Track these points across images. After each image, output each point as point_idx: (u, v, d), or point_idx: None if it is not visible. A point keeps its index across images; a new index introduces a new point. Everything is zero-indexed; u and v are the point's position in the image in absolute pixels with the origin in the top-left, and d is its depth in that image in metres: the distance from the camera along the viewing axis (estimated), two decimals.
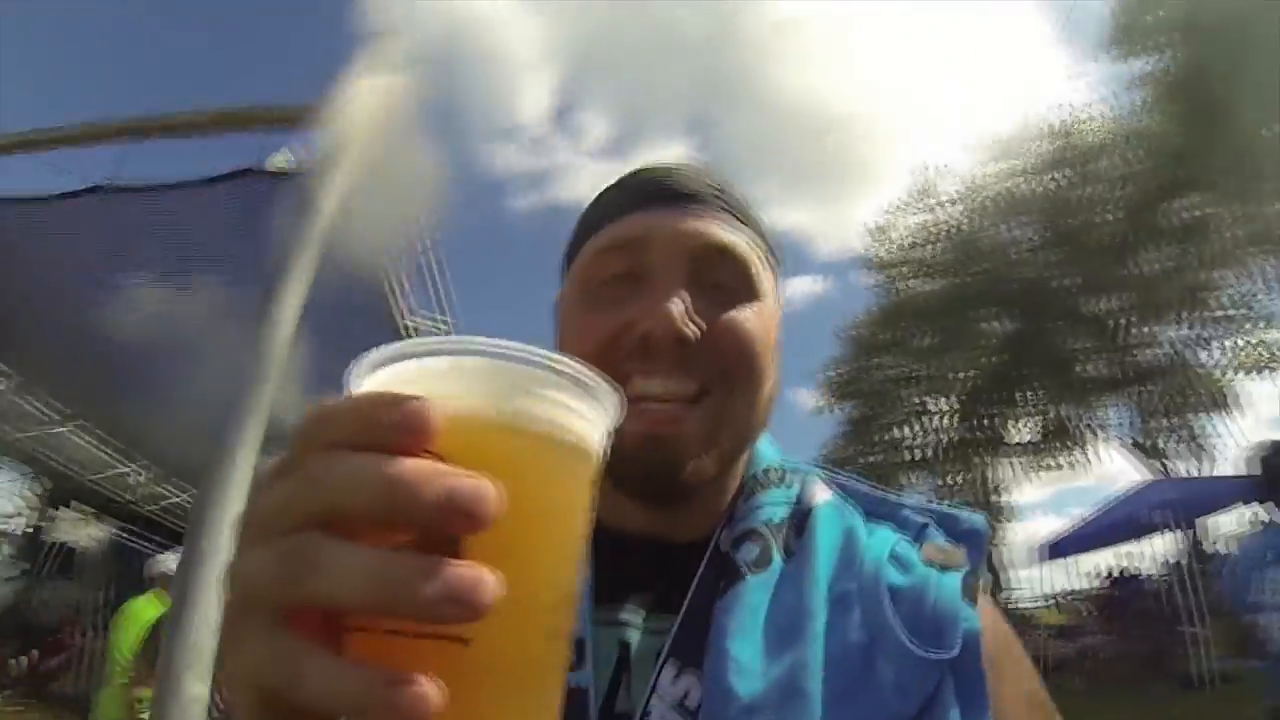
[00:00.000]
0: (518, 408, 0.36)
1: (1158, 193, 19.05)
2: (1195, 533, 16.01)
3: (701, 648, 0.63)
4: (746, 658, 0.61)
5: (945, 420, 22.76)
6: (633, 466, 0.66)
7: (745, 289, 0.74)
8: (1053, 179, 20.85)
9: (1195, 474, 20.16)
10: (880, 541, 0.74)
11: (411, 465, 0.31)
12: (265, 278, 3.47)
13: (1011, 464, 22.80)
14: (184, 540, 3.09)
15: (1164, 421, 21.24)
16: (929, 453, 22.88)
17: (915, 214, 22.98)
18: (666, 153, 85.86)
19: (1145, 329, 21.20)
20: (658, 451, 0.67)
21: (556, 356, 0.38)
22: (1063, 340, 21.15)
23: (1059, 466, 22.34)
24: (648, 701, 0.62)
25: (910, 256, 22.73)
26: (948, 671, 0.63)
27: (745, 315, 0.72)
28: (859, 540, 0.73)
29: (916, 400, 23.13)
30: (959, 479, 23.04)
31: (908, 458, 23.70)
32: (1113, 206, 20.09)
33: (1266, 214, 18.02)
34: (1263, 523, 4.23)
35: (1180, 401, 20.53)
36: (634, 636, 0.67)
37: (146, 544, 13.54)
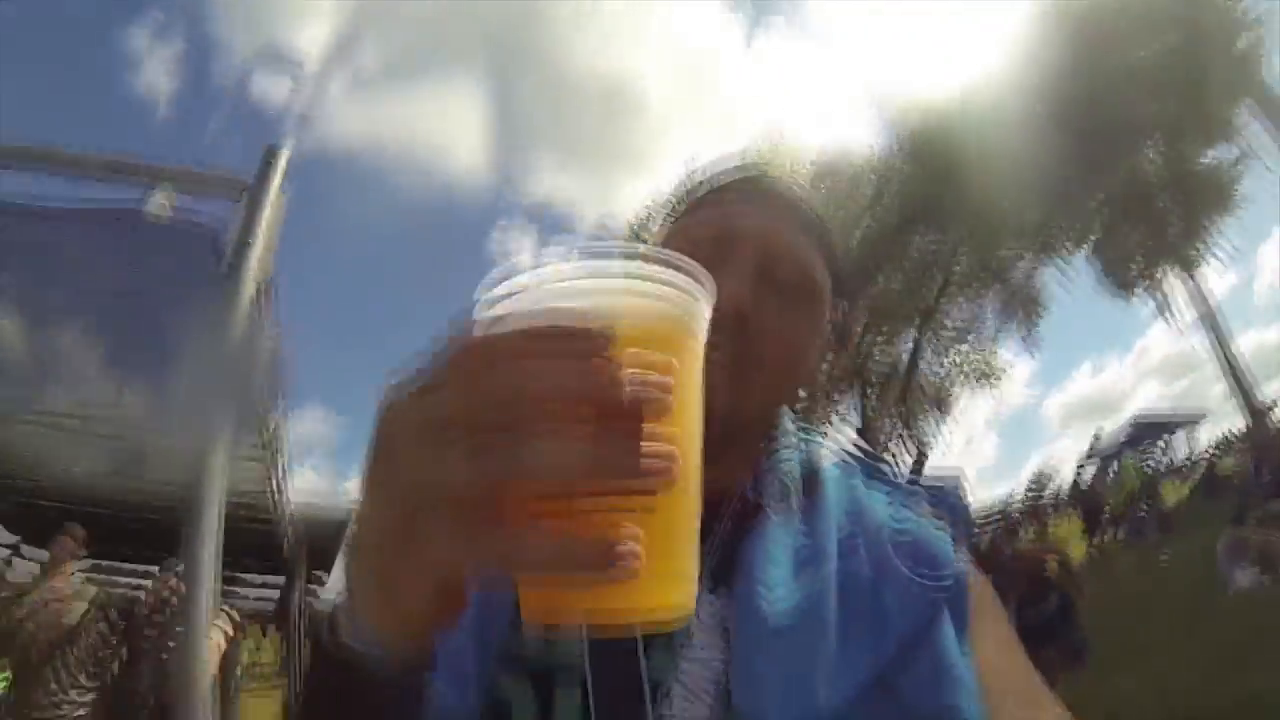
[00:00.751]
0: (661, 302, 0.41)
1: (901, 225, 21.59)
2: None
3: (731, 573, 0.70)
4: (773, 584, 0.67)
5: None
6: None
7: (806, 291, 0.82)
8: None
9: (904, 467, 23.06)
10: (879, 501, 0.81)
11: (603, 363, 0.35)
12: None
13: None
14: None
15: (886, 421, 24.24)
16: None
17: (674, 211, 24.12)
18: (446, 94, 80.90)
19: (879, 337, 24.11)
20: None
21: (665, 253, 0.43)
22: None
23: None
24: (690, 622, 0.67)
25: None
26: (942, 602, 0.69)
27: (798, 315, 0.81)
28: (861, 494, 0.81)
29: None
30: None
31: None
32: (860, 230, 22.19)
33: (996, 254, 21.14)
34: None
35: (903, 404, 23.61)
36: None
37: None
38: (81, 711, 4.17)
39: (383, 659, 0.43)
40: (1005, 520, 20.70)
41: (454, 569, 0.38)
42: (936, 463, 23.12)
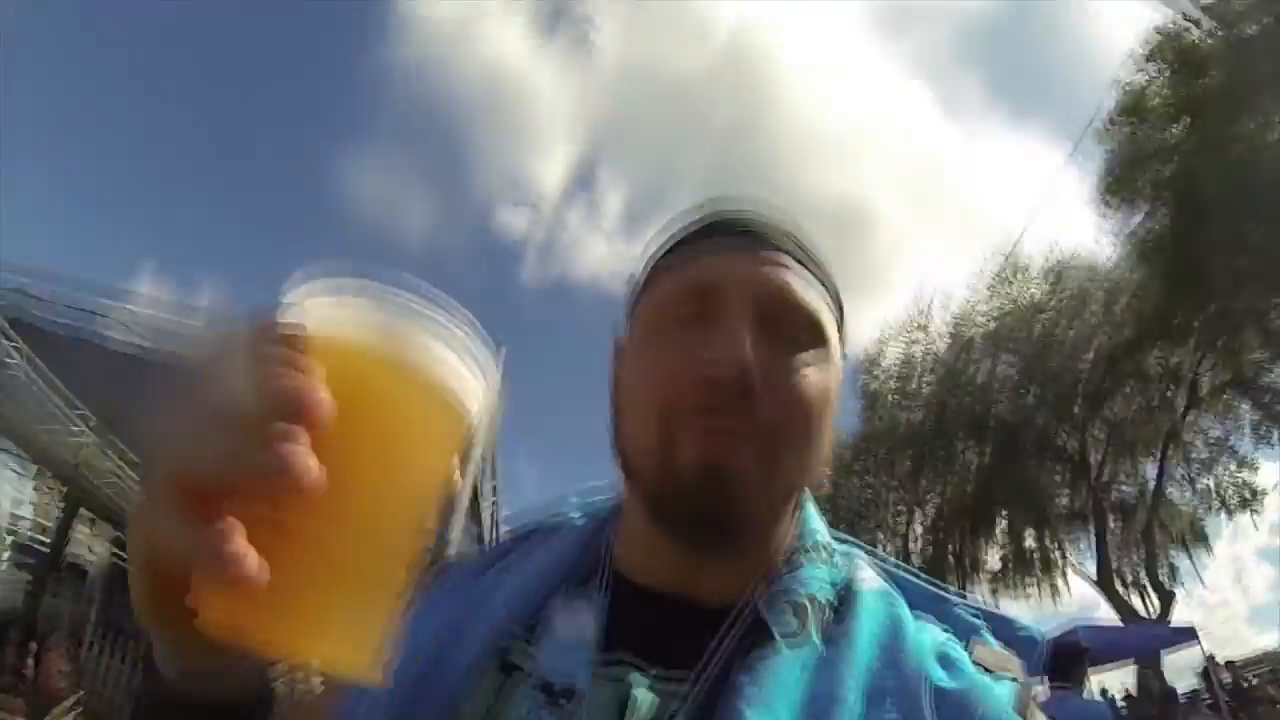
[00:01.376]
0: (394, 350, 0.43)
1: (1137, 341, 19.93)
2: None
3: (715, 712, 0.59)
4: None
5: (916, 544, 23.73)
6: (688, 497, 0.65)
7: (812, 341, 0.72)
8: (1039, 321, 21.78)
9: (1152, 610, 20.93)
10: (927, 637, 0.68)
11: (266, 369, 0.38)
12: None
13: (980, 588, 23.77)
14: None
15: (1133, 555, 22.10)
16: None
17: (905, 345, 24.31)
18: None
19: (1118, 466, 22.30)
20: (715, 480, 0.64)
21: (453, 316, 0.44)
22: (1035, 474, 22.16)
23: (1025, 594, 23.34)
24: None
25: (896, 387, 24.03)
26: None
27: (809, 370, 0.70)
28: (905, 633, 0.67)
29: (890, 521, 24.23)
30: None
31: None
32: (1093, 350, 20.98)
33: (1242, 363, 18.98)
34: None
35: (1149, 537, 21.22)
36: (638, 691, 0.63)
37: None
38: None
39: (185, 680, 0.46)
40: (1275, 669, 18.34)
41: (176, 563, 0.38)
42: (1191, 605, 20.80)
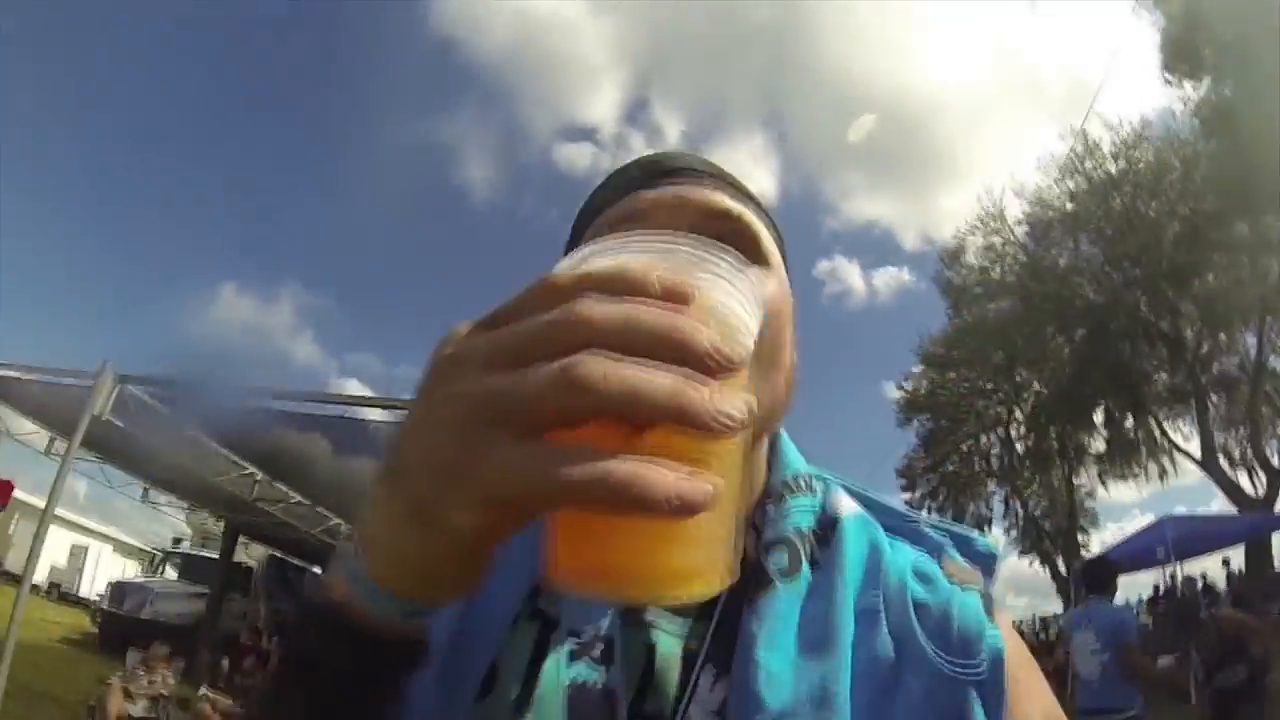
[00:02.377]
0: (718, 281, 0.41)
1: (1220, 211, 20.28)
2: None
3: (732, 654, 0.62)
4: (776, 667, 0.60)
5: (1018, 430, 24.46)
6: None
7: (755, 258, 0.69)
8: (1116, 197, 22.28)
9: (1259, 489, 20.91)
10: (902, 556, 0.71)
11: (680, 318, 0.35)
12: None
13: (1086, 472, 24.34)
14: None
15: (1238, 432, 22.23)
16: (1005, 461, 24.79)
17: (984, 236, 25.01)
18: (745, 147, 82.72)
19: (1216, 340, 22.45)
20: None
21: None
22: (1130, 356, 22.65)
23: (1133, 475, 23.70)
24: (686, 707, 0.62)
25: (980, 279, 24.78)
26: (973, 690, 0.61)
27: (761, 280, 0.66)
28: (883, 554, 0.70)
29: (990, 413, 25.04)
30: (1035, 485, 24.90)
31: (985, 466, 25.72)
32: (1176, 224, 21.40)
33: None
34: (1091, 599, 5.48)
35: (1254, 412, 21.34)
36: (661, 638, 0.66)
37: (297, 561, 17.91)
38: None
39: (388, 606, 0.43)
40: None
41: (504, 494, 0.35)
42: None
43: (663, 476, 0.33)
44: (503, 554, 0.50)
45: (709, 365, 0.35)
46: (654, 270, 0.37)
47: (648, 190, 0.72)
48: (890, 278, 72.02)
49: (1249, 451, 21.76)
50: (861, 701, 0.60)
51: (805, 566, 0.68)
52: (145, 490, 12.78)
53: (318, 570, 17.88)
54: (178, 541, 22.22)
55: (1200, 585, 18.09)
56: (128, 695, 7.89)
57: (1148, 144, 22.19)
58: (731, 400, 0.35)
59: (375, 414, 7.51)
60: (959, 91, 65.40)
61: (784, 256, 0.77)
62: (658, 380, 0.34)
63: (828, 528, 0.72)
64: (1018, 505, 26.05)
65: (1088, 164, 23.16)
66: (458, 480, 0.36)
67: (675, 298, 0.36)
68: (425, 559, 0.41)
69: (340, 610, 0.44)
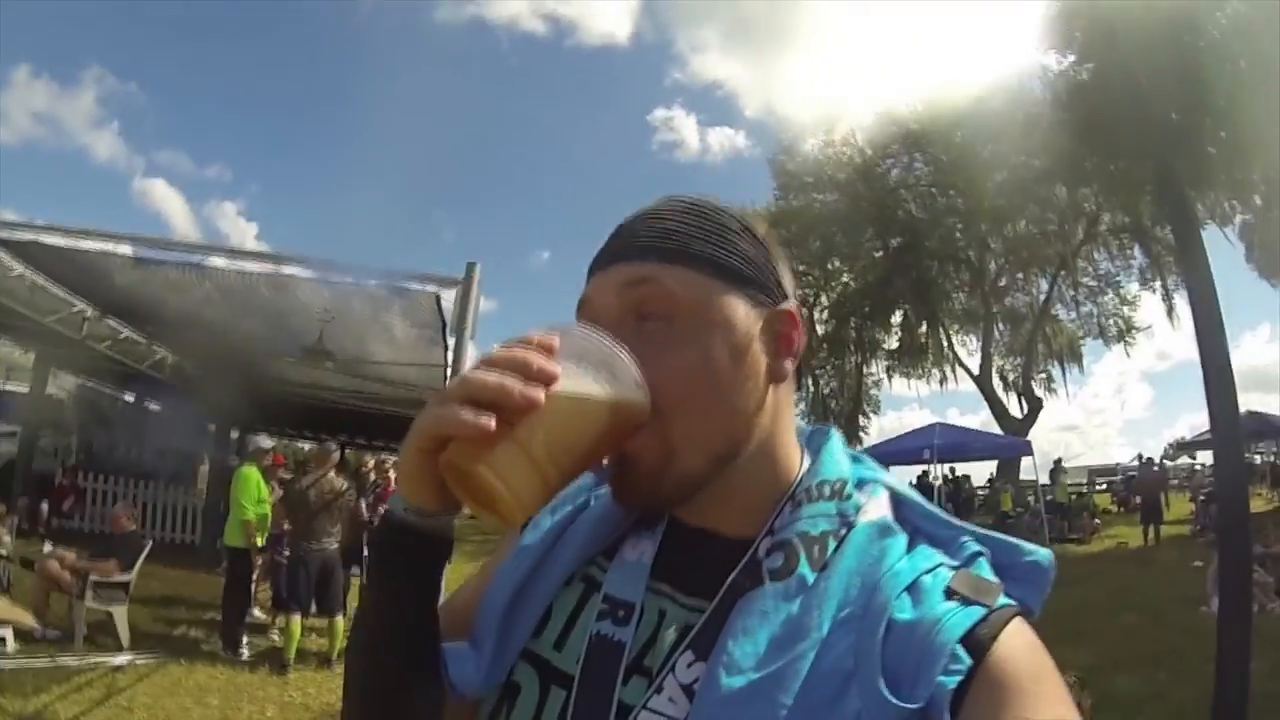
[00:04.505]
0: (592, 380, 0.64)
1: (1047, 171, 21.17)
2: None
3: (712, 642, 0.70)
4: (740, 656, 0.66)
5: (821, 314, 26.25)
6: (614, 488, 0.79)
7: (677, 316, 0.74)
8: (959, 133, 22.98)
9: (1022, 412, 23.77)
10: (910, 567, 0.72)
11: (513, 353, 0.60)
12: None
13: (877, 364, 26.90)
14: None
15: (1014, 361, 24.97)
16: (805, 341, 26.73)
17: (825, 133, 25.66)
18: None
19: (1013, 278, 24.62)
20: (620, 469, 0.76)
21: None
22: (935, 273, 24.63)
23: (918, 375, 26.57)
24: (664, 676, 0.70)
25: (814, 171, 25.48)
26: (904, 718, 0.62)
27: (673, 346, 0.73)
28: (885, 564, 0.72)
29: (797, 294, 26.40)
30: (829, 367, 27.18)
31: None
32: (1006, 172, 22.31)
33: (1140, 210, 20.40)
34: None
35: (1031, 346, 24.19)
36: (671, 608, 0.76)
37: (106, 389, 17.23)
38: (334, 540, 7.99)
39: (419, 519, 0.67)
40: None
41: (422, 429, 0.61)
42: (1052, 410, 23.26)
43: (466, 414, 0.57)
44: (569, 533, 0.86)
45: (529, 368, 0.59)
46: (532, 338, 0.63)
47: (592, 276, 0.82)
48: (725, 138, 70.15)
49: (1020, 378, 24.79)
50: (804, 702, 0.63)
51: (802, 569, 0.71)
52: None
53: (130, 398, 17.61)
54: None
55: (952, 483, 22.00)
56: None
57: (1000, 93, 22.03)
58: (523, 380, 0.59)
59: (218, 261, 7.23)
60: None
61: (741, 284, 0.77)
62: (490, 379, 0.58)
63: (845, 532, 0.75)
64: (809, 382, 28.10)
65: (940, 94, 23.29)
66: (413, 430, 0.62)
67: (542, 347, 0.61)
68: (408, 477, 0.65)
69: (388, 518, 0.70)
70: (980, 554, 0.75)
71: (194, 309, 8.52)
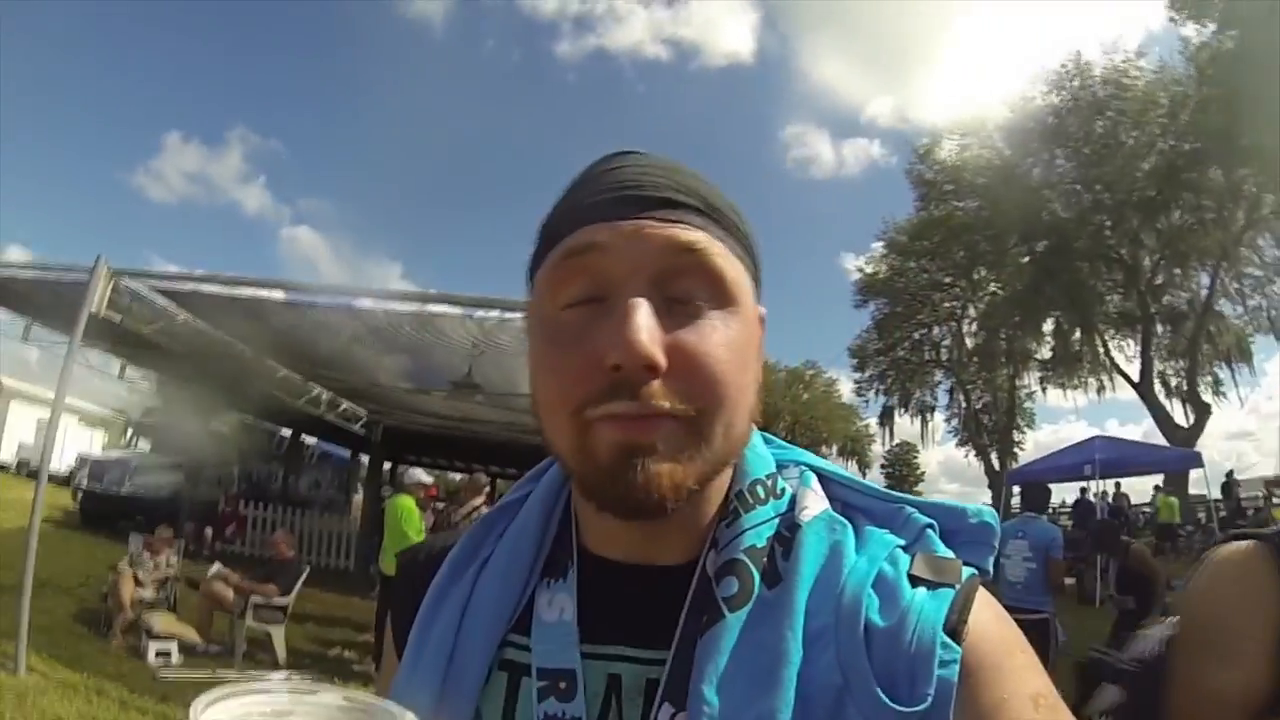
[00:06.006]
0: None
1: (1199, 154, 20.96)
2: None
3: (685, 688, 0.63)
4: (719, 704, 0.61)
5: (970, 327, 26.16)
6: (608, 478, 0.64)
7: (717, 297, 0.67)
8: (1099, 123, 22.76)
9: (1188, 420, 22.73)
10: (868, 560, 0.68)
11: None
12: None
13: (1029, 375, 26.59)
14: None
15: (1178, 364, 23.90)
16: (954, 354, 26.61)
17: (961, 136, 25.82)
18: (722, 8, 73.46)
19: (1171, 275, 23.69)
20: (632, 458, 0.63)
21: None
22: (1086, 274, 23.99)
23: (1073, 386, 25.78)
24: None
25: (952, 178, 25.59)
26: None
27: (718, 333, 0.66)
28: (844, 564, 0.68)
29: (945, 306, 26.50)
30: (980, 380, 26.71)
31: (935, 356, 27.32)
32: (1153, 158, 21.99)
33: None
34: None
35: (1195, 347, 22.99)
36: (624, 669, 0.68)
37: (267, 426, 18.44)
38: None
39: None
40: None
41: None
42: (1222, 417, 22.03)
43: None
44: (472, 616, 0.74)
45: None
46: None
47: (609, 222, 0.67)
48: (860, 150, 68.67)
49: (1184, 383, 23.50)
50: None
51: (757, 588, 0.67)
52: (123, 367, 12.47)
53: (285, 431, 18.82)
54: (149, 411, 21.13)
55: (1128, 505, 20.87)
56: (137, 581, 8.22)
57: (1140, 74, 22.32)
58: None
59: (367, 302, 8.10)
60: None
61: (752, 256, 0.73)
62: None
63: (790, 534, 0.71)
64: (961, 398, 28.04)
65: (1075, 83, 23.37)
66: None
67: None
68: None
69: None
70: (929, 525, 0.74)
71: (344, 348, 9.45)
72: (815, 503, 0.73)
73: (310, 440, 19.11)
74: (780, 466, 0.78)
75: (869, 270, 28.66)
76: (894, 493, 0.77)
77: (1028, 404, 27.25)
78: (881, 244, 28.09)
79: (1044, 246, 24.14)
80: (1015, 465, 23.56)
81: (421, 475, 9.61)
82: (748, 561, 0.68)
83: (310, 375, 11.69)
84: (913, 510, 0.74)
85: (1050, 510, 12.03)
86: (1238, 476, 21.51)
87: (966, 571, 0.67)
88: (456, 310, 7.57)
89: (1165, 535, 17.80)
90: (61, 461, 21.33)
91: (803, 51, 69.13)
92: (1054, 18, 49.94)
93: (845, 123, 71.42)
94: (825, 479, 0.78)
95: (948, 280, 26.18)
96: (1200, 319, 22.66)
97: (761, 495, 0.73)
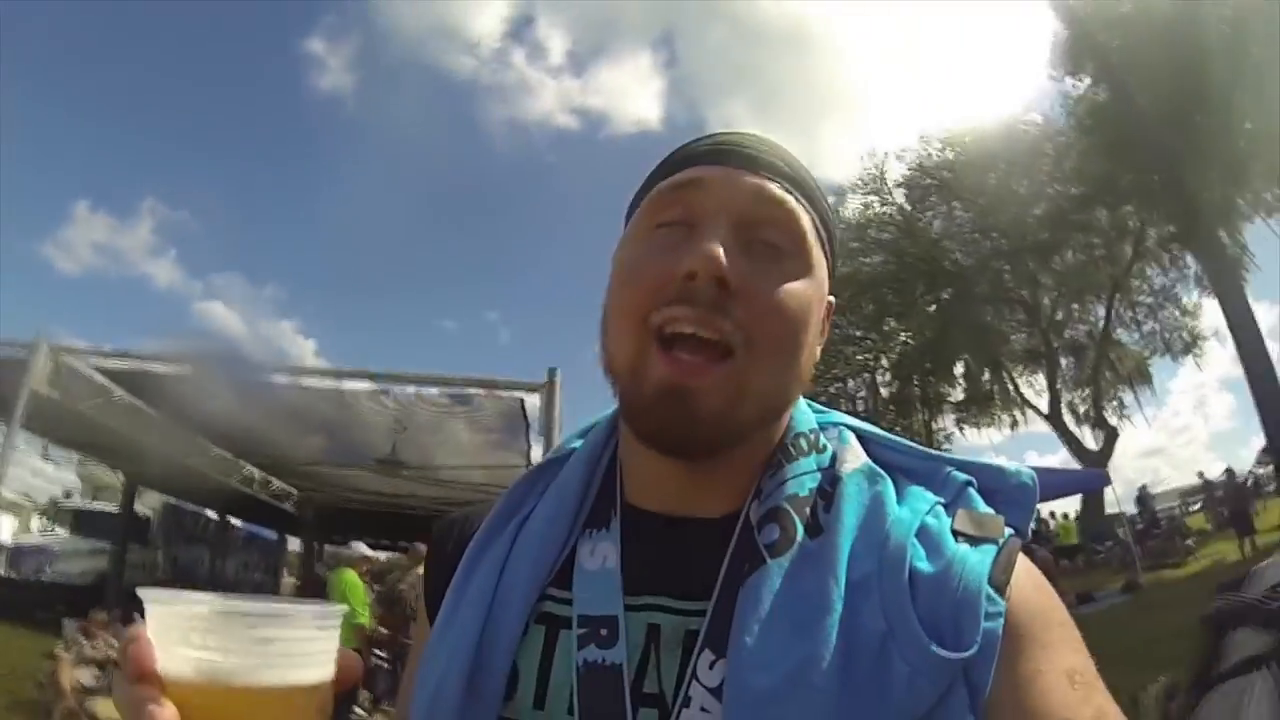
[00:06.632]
0: (216, 662, 0.50)
1: (1085, 197, 22.51)
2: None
3: (726, 635, 0.64)
4: (761, 649, 0.61)
5: (884, 377, 27.00)
6: (653, 414, 0.69)
7: (795, 253, 0.72)
8: (992, 174, 24.30)
9: (1098, 444, 23.91)
10: (911, 511, 0.69)
11: (128, 694, 0.49)
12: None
13: (944, 418, 27.77)
14: None
15: (1084, 392, 25.42)
16: (870, 405, 27.37)
17: (864, 195, 26.94)
18: (632, 67, 77.69)
19: (1069, 310, 25.41)
20: (679, 401, 0.66)
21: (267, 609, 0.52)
22: (991, 317, 25.44)
23: (988, 423, 27.04)
24: (688, 686, 0.64)
25: (858, 235, 26.51)
26: (960, 671, 0.60)
27: (790, 281, 0.70)
28: (886, 513, 0.69)
29: (860, 359, 27.26)
30: (898, 428, 27.56)
31: (851, 409, 27.97)
32: (1045, 204, 23.53)
33: (1188, 214, 20.68)
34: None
35: (1098, 375, 24.64)
36: (663, 619, 0.69)
37: (191, 507, 17.32)
38: None
39: None
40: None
41: None
42: (1133, 437, 23.49)
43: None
44: (512, 570, 0.74)
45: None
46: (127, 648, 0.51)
47: (707, 167, 0.74)
48: None
49: (1091, 410, 25.07)
50: (846, 680, 0.60)
51: (800, 536, 0.68)
52: (45, 447, 13.06)
53: (211, 513, 17.97)
54: (68, 495, 21.28)
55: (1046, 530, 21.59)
56: (76, 664, 8.08)
57: (1026, 129, 23.97)
58: None
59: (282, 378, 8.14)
60: (856, 34, 62.60)
61: (831, 248, 0.79)
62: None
63: (832, 486, 0.72)
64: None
65: (967, 139, 24.84)
66: None
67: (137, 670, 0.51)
68: None
69: None
70: (969, 483, 0.74)
71: (262, 424, 9.19)
72: (855, 457, 0.76)
73: (236, 522, 18.23)
74: (823, 426, 0.80)
75: None
76: (932, 451, 0.79)
77: (946, 446, 28.05)
78: None
79: (949, 294, 25.37)
80: None
81: (364, 548, 9.59)
82: (790, 510, 0.70)
83: (239, 452, 11.37)
84: (952, 468, 0.76)
85: None
86: (1152, 490, 22.99)
87: (1008, 531, 0.69)
88: (371, 386, 7.63)
89: (1066, 554, 19.07)
90: None
91: (710, 115, 70.38)
92: (948, 76, 53.02)
93: None
94: (864, 439, 0.80)
95: (859, 334, 27.01)
96: (1100, 348, 24.32)
97: (805, 448, 0.76)
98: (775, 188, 0.73)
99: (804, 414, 0.80)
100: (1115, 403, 25.06)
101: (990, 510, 0.71)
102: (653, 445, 0.72)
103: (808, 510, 0.70)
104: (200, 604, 0.51)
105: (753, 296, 0.68)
